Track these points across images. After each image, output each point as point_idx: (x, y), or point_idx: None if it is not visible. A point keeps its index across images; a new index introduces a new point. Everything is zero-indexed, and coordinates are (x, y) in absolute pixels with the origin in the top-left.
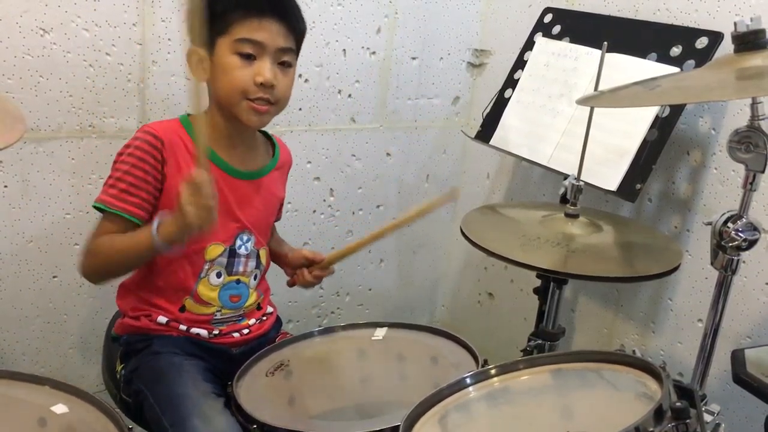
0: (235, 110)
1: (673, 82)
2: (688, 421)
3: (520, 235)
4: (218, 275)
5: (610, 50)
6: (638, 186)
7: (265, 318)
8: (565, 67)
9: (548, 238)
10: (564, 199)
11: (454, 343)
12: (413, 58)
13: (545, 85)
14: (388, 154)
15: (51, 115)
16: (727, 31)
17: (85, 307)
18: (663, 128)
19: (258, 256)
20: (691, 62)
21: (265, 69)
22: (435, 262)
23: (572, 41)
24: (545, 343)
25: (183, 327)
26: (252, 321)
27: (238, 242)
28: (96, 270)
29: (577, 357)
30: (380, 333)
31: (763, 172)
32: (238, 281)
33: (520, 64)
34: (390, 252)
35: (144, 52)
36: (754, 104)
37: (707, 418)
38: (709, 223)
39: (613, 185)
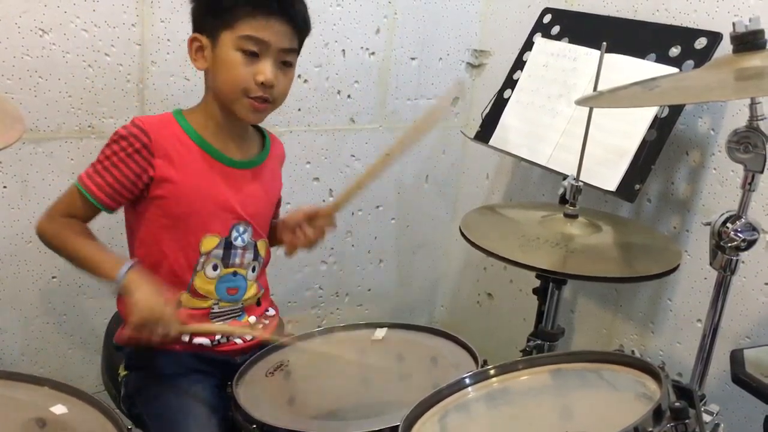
0: (234, 106)
1: (672, 82)
2: (687, 421)
3: (520, 235)
4: (214, 267)
5: (609, 51)
6: (637, 186)
7: (267, 321)
8: (565, 67)
9: (547, 238)
10: (563, 200)
11: (453, 344)
12: (412, 59)
13: (544, 85)
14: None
15: (50, 116)
16: (726, 32)
17: (84, 308)
18: (662, 128)
19: (256, 248)
20: (690, 62)
21: (267, 69)
22: (434, 263)
23: (571, 42)
24: (544, 343)
25: (185, 338)
26: (252, 318)
27: (234, 233)
28: (50, 245)
29: (577, 357)
30: (380, 333)
31: (761, 172)
32: (234, 273)
33: (519, 64)
34: (389, 252)
35: (143, 53)
36: (753, 104)
37: (706, 418)
38: (708, 224)
39: (612, 185)
